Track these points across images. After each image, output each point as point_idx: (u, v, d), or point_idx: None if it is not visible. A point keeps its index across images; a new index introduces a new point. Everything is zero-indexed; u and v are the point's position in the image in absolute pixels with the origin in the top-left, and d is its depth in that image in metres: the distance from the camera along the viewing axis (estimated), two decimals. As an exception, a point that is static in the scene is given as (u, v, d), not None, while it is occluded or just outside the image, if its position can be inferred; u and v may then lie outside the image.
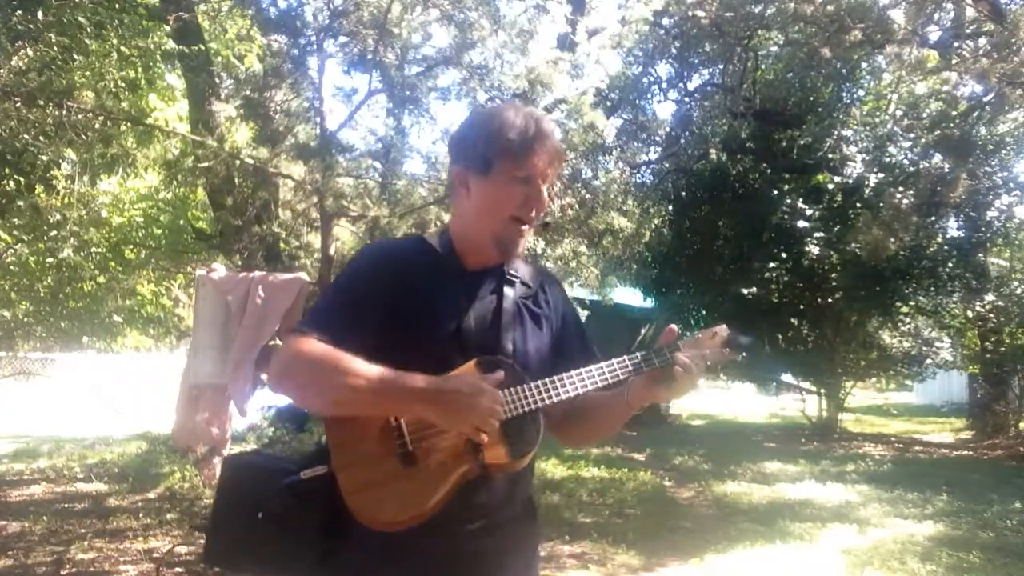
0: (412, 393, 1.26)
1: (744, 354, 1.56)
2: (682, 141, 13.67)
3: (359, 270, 1.47)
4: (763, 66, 13.48)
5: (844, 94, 13.21)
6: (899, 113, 11.76)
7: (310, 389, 1.34)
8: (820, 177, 13.00)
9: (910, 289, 12.21)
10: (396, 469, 1.30)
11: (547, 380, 1.37)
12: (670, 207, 14.05)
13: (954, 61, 9.24)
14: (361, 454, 1.32)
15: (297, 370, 1.34)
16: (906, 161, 12.04)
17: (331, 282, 1.51)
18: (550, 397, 1.37)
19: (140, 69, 6.60)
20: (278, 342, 3.71)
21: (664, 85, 14.20)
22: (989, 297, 12.07)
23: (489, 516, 1.41)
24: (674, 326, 1.46)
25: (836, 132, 12.41)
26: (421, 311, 1.40)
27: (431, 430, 1.30)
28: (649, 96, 14.31)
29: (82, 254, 6.97)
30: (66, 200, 6.12)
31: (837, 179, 12.73)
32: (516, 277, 1.52)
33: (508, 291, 1.49)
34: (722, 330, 1.53)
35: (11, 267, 8.66)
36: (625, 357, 1.42)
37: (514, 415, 1.33)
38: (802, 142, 12.99)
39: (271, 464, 1.49)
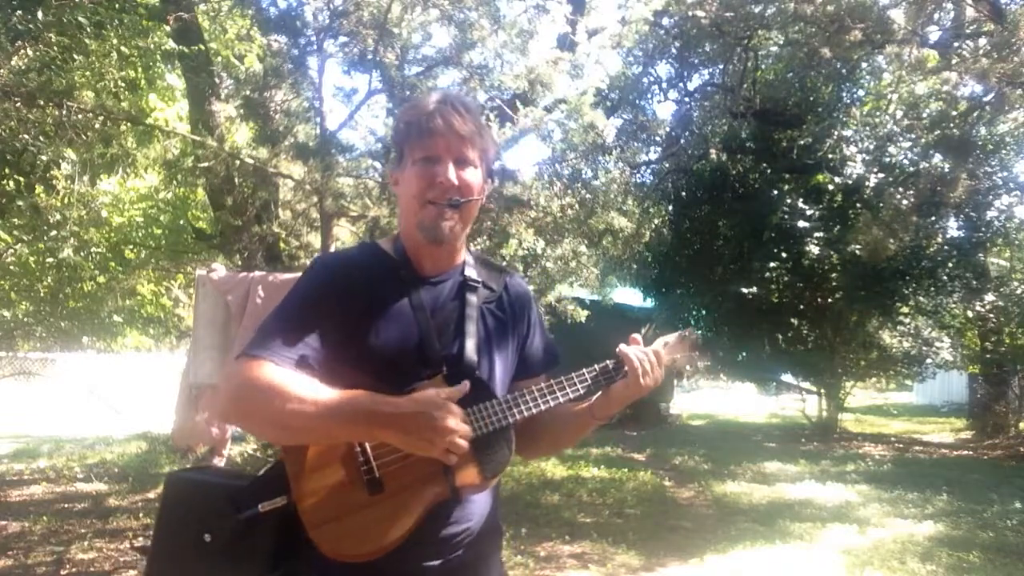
0: (372, 418, 1.18)
1: (707, 361, 1.55)
2: (682, 141, 13.66)
3: (311, 284, 1.37)
4: (763, 66, 13.47)
5: (844, 94, 13.20)
6: (899, 113, 11.76)
7: (262, 420, 1.24)
8: (820, 177, 13.01)
9: (910, 289, 12.21)
10: (363, 498, 1.24)
11: (516, 394, 1.34)
12: (670, 207, 14.04)
13: (954, 61, 9.24)
14: (324, 483, 1.25)
15: (247, 400, 1.24)
16: (906, 161, 12.05)
17: (282, 298, 1.43)
18: (520, 412, 1.32)
19: (140, 69, 6.60)
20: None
21: (664, 85, 14.19)
22: (989, 297, 12.07)
23: (460, 535, 1.35)
24: (636, 335, 1.43)
25: (836, 132, 12.42)
26: (379, 323, 1.33)
27: (397, 453, 1.23)
28: (649, 96, 14.31)
29: (82, 254, 6.96)
30: (66, 200, 6.12)
31: (837, 179, 12.73)
32: (477, 282, 1.45)
33: (471, 297, 1.42)
34: (691, 332, 1.51)
35: (11, 267, 8.65)
36: (596, 367, 1.39)
37: (484, 432, 1.28)
38: (802, 142, 12.99)
39: (218, 481, 1.40)
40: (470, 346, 1.37)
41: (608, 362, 1.41)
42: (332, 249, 5.04)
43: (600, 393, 1.42)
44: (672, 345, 1.48)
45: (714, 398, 20.57)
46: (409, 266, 1.41)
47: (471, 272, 1.46)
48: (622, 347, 1.40)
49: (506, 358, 1.46)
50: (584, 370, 1.39)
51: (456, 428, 1.17)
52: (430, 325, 1.36)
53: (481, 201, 1.44)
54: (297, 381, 1.22)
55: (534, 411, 1.33)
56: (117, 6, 5.39)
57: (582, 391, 1.38)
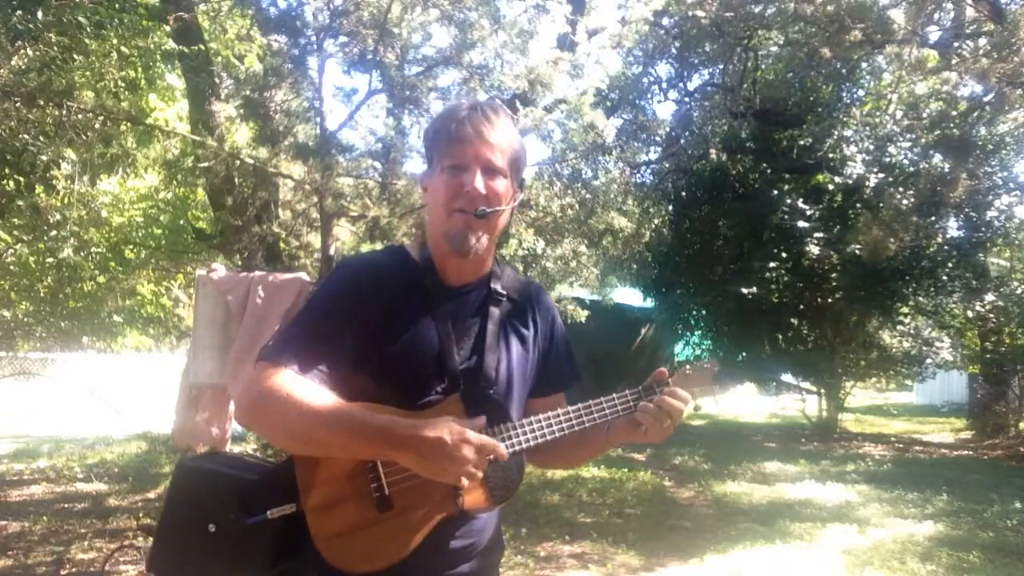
0: (389, 439, 1.18)
1: (728, 392, 1.53)
2: (682, 141, 13.66)
3: (335, 289, 1.36)
4: (763, 66, 13.46)
5: (844, 94, 13.19)
6: (899, 113, 11.75)
7: (280, 429, 1.24)
8: (820, 177, 13.00)
9: (910, 289, 12.21)
10: (372, 514, 1.25)
11: (532, 420, 1.33)
12: (670, 207, 14.04)
13: (954, 61, 9.24)
14: (333, 497, 1.26)
15: (266, 408, 1.23)
16: (906, 161, 12.04)
17: (305, 301, 1.41)
18: (535, 439, 1.32)
19: (140, 69, 6.59)
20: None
21: (664, 85, 14.19)
22: (989, 297, 12.06)
23: (467, 548, 1.37)
24: (663, 369, 1.42)
25: (836, 132, 12.41)
26: (400, 333, 1.32)
27: (407, 472, 1.23)
28: (649, 96, 14.31)
29: (82, 254, 6.96)
30: (66, 200, 6.12)
31: (837, 179, 12.72)
32: (503, 295, 1.44)
33: (494, 310, 1.41)
34: (712, 364, 1.50)
35: (11, 267, 8.65)
36: (614, 396, 1.38)
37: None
38: (802, 142, 12.99)
39: (228, 473, 1.39)
40: (489, 361, 1.37)
41: (627, 392, 1.39)
42: (332, 250, 5.04)
43: (623, 425, 1.41)
44: (692, 376, 1.47)
45: (714, 398, 20.57)
46: (434, 275, 1.39)
47: (497, 284, 1.44)
48: (645, 404, 1.37)
49: (525, 374, 1.45)
50: (603, 399, 1.38)
51: (471, 458, 1.17)
52: (451, 337, 1.35)
53: (510, 211, 1.42)
54: (315, 392, 1.22)
55: (548, 438, 1.33)
56: (117, 6, 5.38)
57: (599, 421, 1.37)
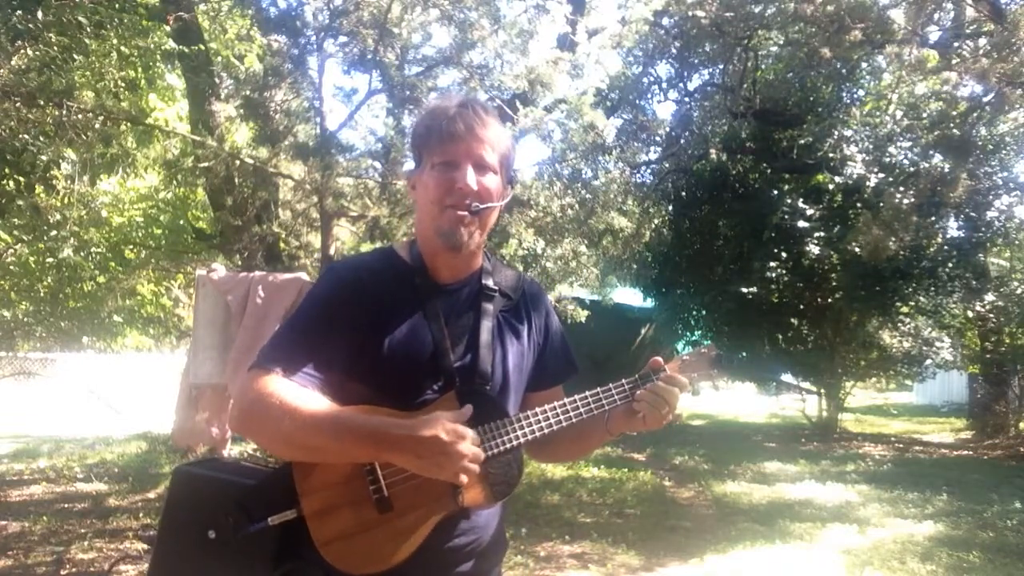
0: (383, 440, 1.18)
1: (727, 378, 1.53)
2: (682, 141, 13.66)
3: (325, 293, 1.35)
4: (763, 66, 13.46)
5: (844, 94, 13.18)
6: (899, 113, 11.75)
7: (274, 437, 1.23)
8: (820, 177, 13.00)
9: (910, 289, 12.19)
10: (372, 516, 1.25)
11: (529, 414, 1.33)
12: (670, 207, 14.03)
13: (954, 61, 9.23)
14: (333, 501, 1.26)
15: (260, 416, 1.23)
16: (906, 161, 12.02)
17: (296, 307, 1.41)
18: (532, 433, 1.32)
19: (140, 69, 6.59)
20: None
21: (664, 85, 14.18)
22: (989, 297, 12.06)
23: (468, 546, 1.37)
24: (658, 358, 1.41)
25: (836, 132, 12.40)
26: (393, 333, 1.31)
27: (406, 472, 1.24)
28: (649, 96, 14.30)
29: (82, 254, 6.96)
30: (66, 200, 6.13)
31: (837, 179, 12.72)
32: (494, 291, 1.43)
33: (487, 306, 1.40)
34: (710, 348, 1.49)
35: (11, 267, 8.65)
36: (611, 386, 1.38)
37: (494, 452, 1.28)
38: (802, 142, 12.98)
39: (226, 479, 1.39)
40: (484, 358, 1.36)
41: (624, 381, 1.39)
42: (332, 250, 5.04)
43: (621, 414, 1.41)
44: (690, 363, 1.46)
45: (714, 398, 20.55)
46: (425, 273, 1.39)
47: (488, 280, 1.43)
48: (640, 392, 1.37)
49: (521, 369, 1.44)
50: (599, 389, 1.38)
51: (467, 452, 1.17)
52: (444, 335, 1.34)
53: (501, 207, 1.41)
54: (309, 398, 1.22)
55: (545, 431, 1.33)
56: (117, 6, 5.39)
57: (595, 412, 1.37)
